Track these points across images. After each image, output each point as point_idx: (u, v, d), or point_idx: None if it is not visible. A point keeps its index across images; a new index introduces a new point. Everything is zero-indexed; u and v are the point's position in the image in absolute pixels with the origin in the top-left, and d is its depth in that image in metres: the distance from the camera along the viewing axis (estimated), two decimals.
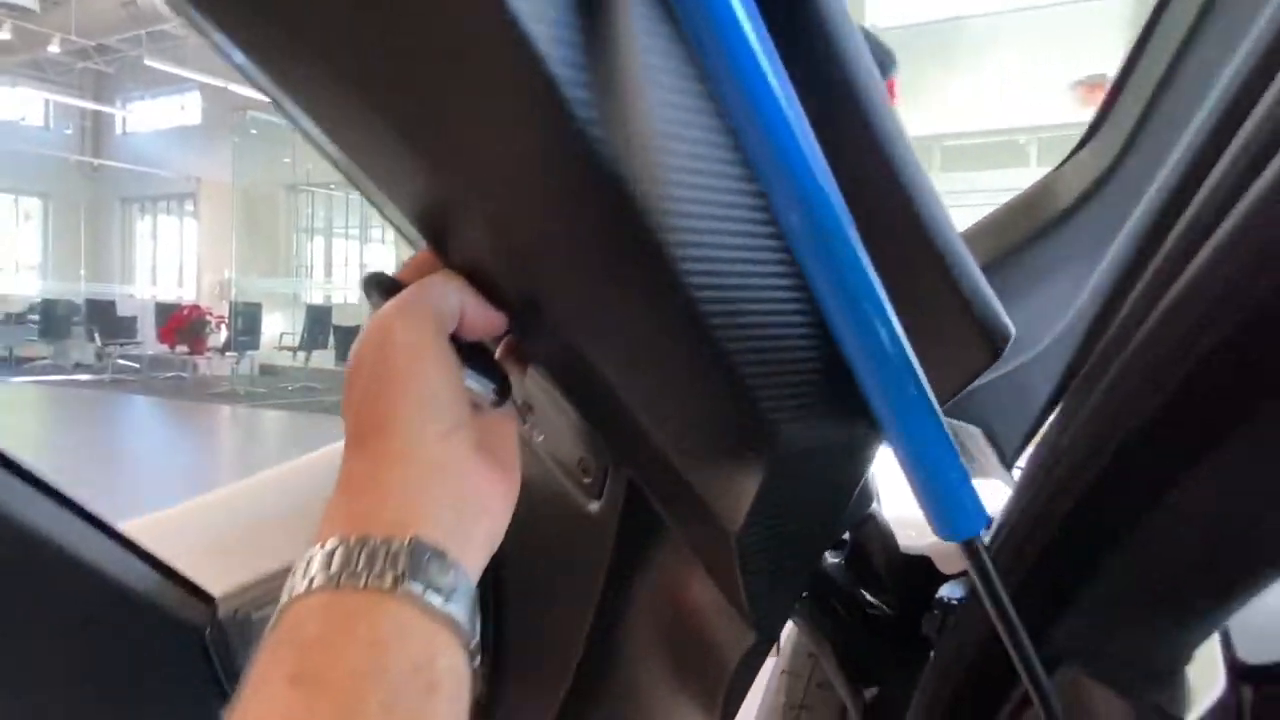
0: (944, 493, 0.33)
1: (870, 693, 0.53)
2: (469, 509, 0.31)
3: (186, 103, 14.49)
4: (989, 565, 0.34)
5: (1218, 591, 0.37)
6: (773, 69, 0.28)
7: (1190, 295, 0.32)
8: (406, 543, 0.28)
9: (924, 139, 10.01)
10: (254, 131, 12.76)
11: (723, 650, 0.45)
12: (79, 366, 12.12)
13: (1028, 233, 0.57)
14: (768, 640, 0.43)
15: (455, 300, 0.33)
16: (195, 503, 0.68)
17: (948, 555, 0.51)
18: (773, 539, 0.39)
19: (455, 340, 0.34)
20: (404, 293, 0.33)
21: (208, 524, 0.67)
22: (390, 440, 0.30)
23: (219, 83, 11.05)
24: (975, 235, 0.58)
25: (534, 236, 0.33)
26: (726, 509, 0.38)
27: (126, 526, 0.54)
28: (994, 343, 0.35)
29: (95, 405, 9.00)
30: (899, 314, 0.33)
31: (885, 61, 0.75)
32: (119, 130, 16.15)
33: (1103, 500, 0.36)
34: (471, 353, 0.35)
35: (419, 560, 0.28)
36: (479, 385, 0.35)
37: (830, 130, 0.31)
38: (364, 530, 0.28)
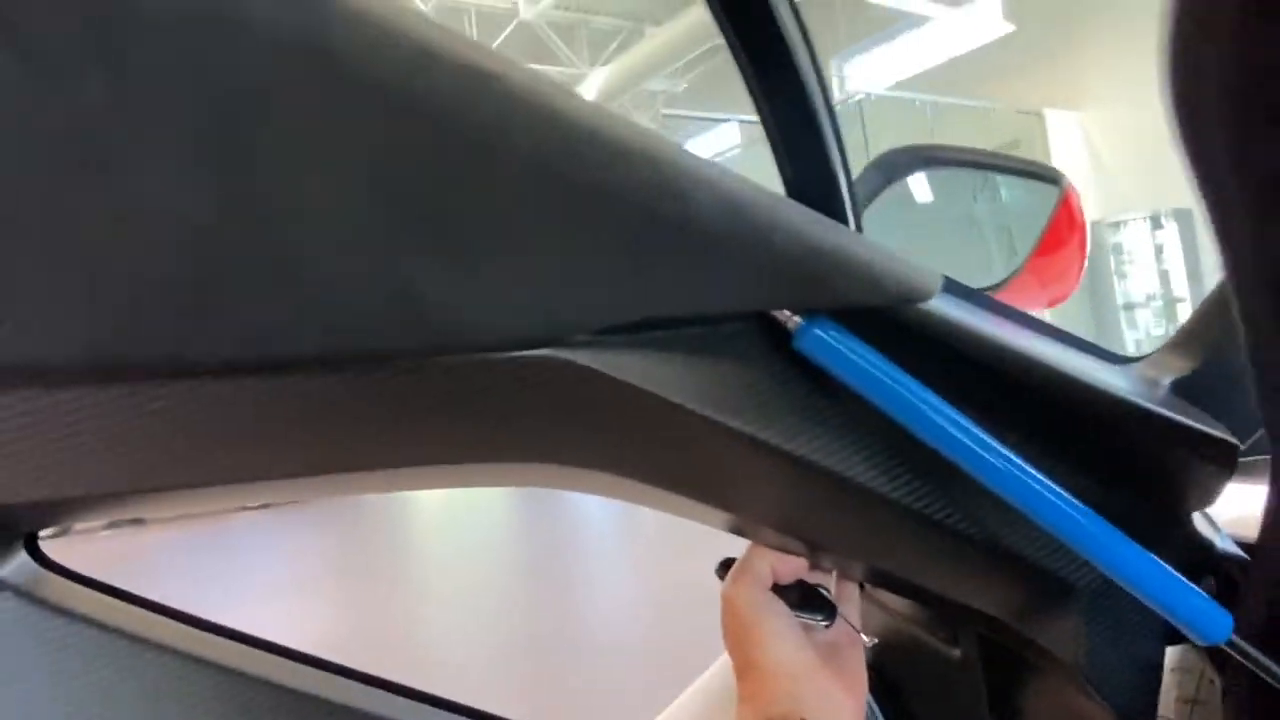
0: (1186, 614, 0.38)
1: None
2: (832, 699, 0.44)
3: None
4: (1252, 650, 0.38)
5: None
6: (940, 411, 0.37)
7: None
8: (799, 717, 0.41)
9: None
10: None
11: None
12: None
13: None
14: None
15: (765, 567, 0.45)
16: None
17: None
18: (1114, 655, 0.44)
19: (782, 586, 0.45)
20: (733, 570, 0.46)
21: None
22: (761, 671, 0.43)
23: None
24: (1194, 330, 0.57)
25: (810, 539, 0.43)
26: (1064, 650, 0.44)
27: None
28: (1229, 460, 0.40)
29: None
30: (1141, 486, 0.40)
31: (1054, 177, 0.75)
32: None
33: None
34: (799, 592, 0.46)
35: None
36: (808, 617, 0.46)
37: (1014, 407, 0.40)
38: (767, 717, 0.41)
